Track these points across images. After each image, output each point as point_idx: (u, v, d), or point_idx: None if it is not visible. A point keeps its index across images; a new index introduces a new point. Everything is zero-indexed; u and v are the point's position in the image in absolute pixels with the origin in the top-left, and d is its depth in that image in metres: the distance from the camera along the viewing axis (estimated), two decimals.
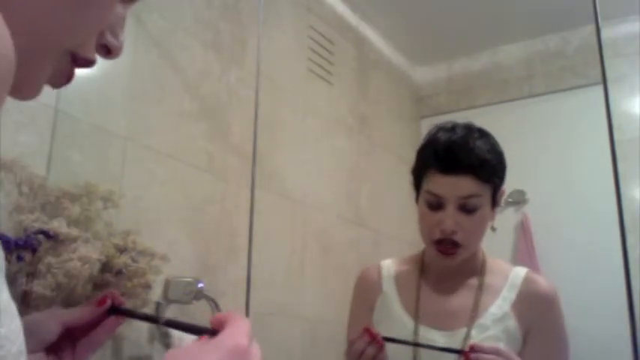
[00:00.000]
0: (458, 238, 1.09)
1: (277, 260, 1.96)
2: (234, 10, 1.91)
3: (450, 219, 1.08)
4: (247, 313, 1.64)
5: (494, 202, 1.14)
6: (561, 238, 2.41)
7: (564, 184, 2.46)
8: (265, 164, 1.93)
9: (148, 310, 1.42)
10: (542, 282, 1.15)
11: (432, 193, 1.10)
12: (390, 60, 2.83)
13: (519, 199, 2.53)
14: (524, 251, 2.46)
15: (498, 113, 2.72)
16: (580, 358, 2.25)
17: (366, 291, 1.24)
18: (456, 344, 1.07)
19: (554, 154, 2.52)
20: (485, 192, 1.09)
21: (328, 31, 2.39)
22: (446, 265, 1.15)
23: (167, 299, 1.49)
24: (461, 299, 1.14)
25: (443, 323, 1.12)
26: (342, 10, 2.51)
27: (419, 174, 1.15)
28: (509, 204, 2.55)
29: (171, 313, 1.51)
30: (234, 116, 1.86)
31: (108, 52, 0.49)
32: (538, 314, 1.11)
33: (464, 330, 1.10)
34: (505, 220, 2.53)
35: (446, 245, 1.10)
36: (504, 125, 2.68)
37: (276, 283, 1.93)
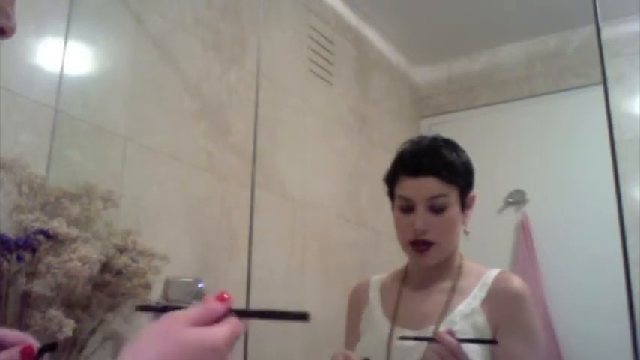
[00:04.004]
0: (429, 237, 1.17)
1: (277, 260, 1.96)
2: (234, 10, 1.91)
3: (420, 220, 1.16)
4: None
5: (464, 205, 1.21)
6: (561, 238, 2.41)
7: (564, 184, 2.46)
8: (265, 164, 1.93)
9: None
10: (514, 280, 1.18)
11: (402, 197, 1.19)
12: (390, 60, 2.83)
13: (519, 199, 2.53)
14: (524, 251, 2.46)
15: (498, 113, 2.71)
16: (580, 358, 2.26)
17: (356, 304, 1.32)
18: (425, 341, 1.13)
19: (554, 154, 2.52)
20: (452, 193, 1.17)
21: (328, 31, 2.39)
22: (423, 264, 1.21)
23: (167, 299, 1.48)
24: (434, 301, 1.20)
25: (415, 323, 1.18)
26: (342, 10, 2.51)
27: (392, 182, 1.24)
28: (509, 204, 2.55)
29: None
30: (234, 116, 1.85)
31: (1, 32, 0.50)
32: (507, 311, 1.14)
33: (433, 327, 1.14)
34: (505, 220, 2.53)
35: (419, 244, 1.18)
36: (504, 125, 2.68)
37: (276, 283, 1.93)
